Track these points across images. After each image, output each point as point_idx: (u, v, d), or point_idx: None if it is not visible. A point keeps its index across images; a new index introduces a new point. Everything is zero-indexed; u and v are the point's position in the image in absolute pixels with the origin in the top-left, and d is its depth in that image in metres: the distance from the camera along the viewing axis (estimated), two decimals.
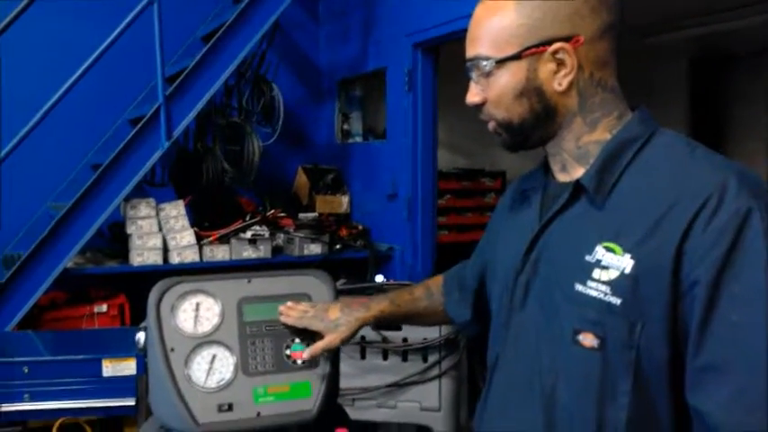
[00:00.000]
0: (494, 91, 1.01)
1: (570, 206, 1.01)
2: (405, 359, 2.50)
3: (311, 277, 1.40)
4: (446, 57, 3.69)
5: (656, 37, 4.85)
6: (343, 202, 4.15)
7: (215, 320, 1.28)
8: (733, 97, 5.82)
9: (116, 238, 3.54)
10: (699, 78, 5.86)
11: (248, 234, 3.57)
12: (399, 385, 2.49)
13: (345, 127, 4.47)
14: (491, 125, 1.05)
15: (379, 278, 2.85)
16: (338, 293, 1.41)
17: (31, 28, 3.30)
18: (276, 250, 3.67)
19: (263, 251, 3.56)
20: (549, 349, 0.98)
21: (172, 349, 1.23)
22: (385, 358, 2.50)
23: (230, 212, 3.71)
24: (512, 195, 1.19)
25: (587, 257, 0.94)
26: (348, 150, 4.33)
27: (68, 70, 3.00)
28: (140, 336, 1.76)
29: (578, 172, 1.02)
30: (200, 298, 1.29)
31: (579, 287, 0.94)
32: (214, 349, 1.25)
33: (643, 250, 0.89)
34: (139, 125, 3.20)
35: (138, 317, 2.90)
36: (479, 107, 1.05)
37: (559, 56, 0.97)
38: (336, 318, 1.28)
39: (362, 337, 2.49)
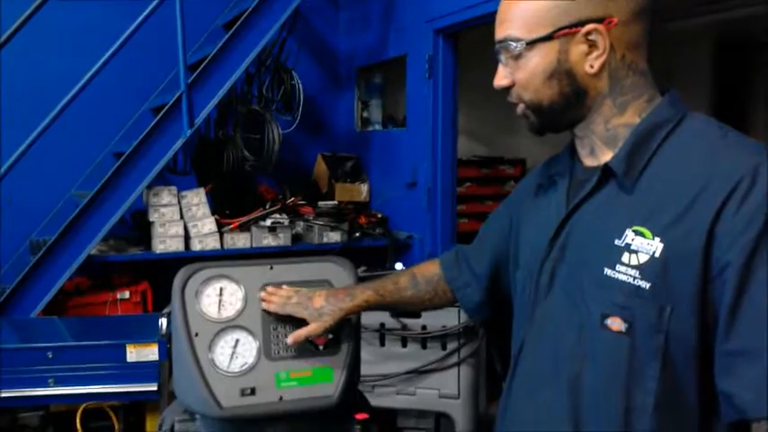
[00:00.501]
0: (523, 73, 1.00)
1: (598, 190, 1.00)
2: (424, 347, 2.50)
3: (332, 264, 1.41)
4: (466, 43, 3.66)
5: (679, 22, 4.76)
6: (363, 190, 4.16)
7: (238, 305, 1.29)
8: (757, 83, 5.70)
9: (138, 226, 3.58)
10: (723, 63, 5.75)
11: (268, 222, 3.58)
12: (419, 372, 2.50)
13: (365, 115, 4.46)
14: (519, 108, 1.04)
15: (399, 266, 2.86)
16: (359, 280, 1.41)
17: (54, 17, 3.33)
18: (296, 238, 3.69)
19: (282, 239, 3.58)
20: (575, 334, 0.98)
21: (196, 334, 1.24)
22: (404, 345, 2.51)
23: (251, 200, 3.73)
24: (536, 180, 1.18)
25: (617, 241, 0.93)
26: (367, 138, 4.33)
27: (91, 59, 3.02)
28: (163, 321, 1.79)
29: (606, 156, 1.01)
30: (223, 283, 1.30)
31: (608, 271, 0.93)
32: (237, 334, 1.26)
33: (673, 234, 0.89)
34: (161, 113, 3.22)
35: (160, 303, 2.94)
36: (507, 90, 1.04)
37: (592, 37, 0.96)
38: (321, 306, 1.27)
39: (382, 324, 2.50)
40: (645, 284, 0.90)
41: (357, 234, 3.77)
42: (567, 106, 1.01)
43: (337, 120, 4.55)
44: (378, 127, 4.40)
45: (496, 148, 5.32)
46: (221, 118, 3.87)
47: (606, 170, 0.99)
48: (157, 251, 3.37)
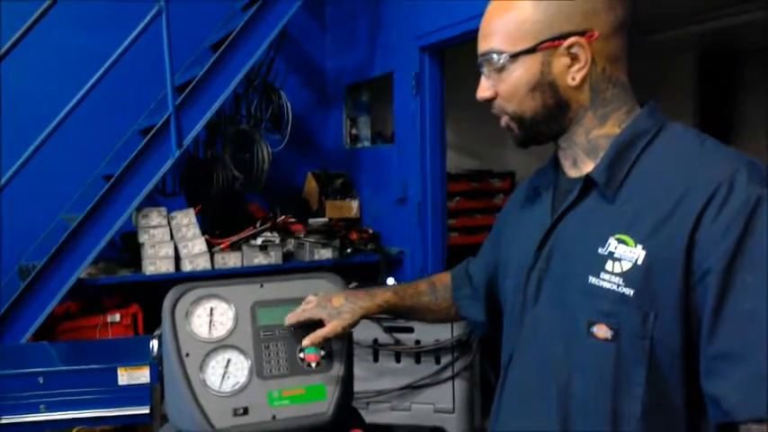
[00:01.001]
0: (506, 85, 1.02)
1: (581, 201, 1.01)
2: (418, 361, 2.50)
3: (324, 280, 1.41)
4: (452, 58, 3.70)
5: (662, 33, 4.83)
6: (353, 206, 4.16)
7: (229, 325, 1.28)
8: (741, 92, 5.78)
9: (128, 248, 3.56)
10: (706, 74, 5.83)
11: (259, 241, 3.58)
12: (413, 387, 2.49)
13: (353, 132, 4.49)
14: (503, 120, 1.06)
15: (391, 281, 2.85)
16: None
17: (41, 39, 3.33)
18: (287, 256, 3.68)
19: (274, 257, 3.57)
20: (562, 343, 0.99)
21: (187, 354, 1.23)
22: (398, 361, 2.50)
23: (241, 219, 3.73)
24: (523, 193, 1.20)
25: (600, 250, 0.95)
26: (357, 155, 4.34)
27: (79, 81, 3.03)
28: (154, 343, 1.78)
29: (588, 166, 1.03)
30: (214, 303, 1.29)
31: (593, 279, 0.95)
32: (229, 353, 1.25)
33: (655, 241, 0.90)
34: (150, 135, 3.22)
35: (151, 325, 2.92)
36: (490, 102, 1.05)
37: (574, 50, 0.98)
38: (340, 305, 1.27)
39: (375, 340, 2.49)
40: (629, 291, 0.91)
41: (348, 250, 3.77)
42: (550, 118, 1.02)
43: (326, 137, 4.57)
44: (367, 143, 4.42)
45: (485, 162, 5.36)
46: (210, 138, 3.87)
47: (588, 181, 1.00)
48: (148, 273, 3.35)
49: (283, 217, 3.81)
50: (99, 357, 2.04)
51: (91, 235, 3.11)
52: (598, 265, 0.94)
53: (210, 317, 1.28)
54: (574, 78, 0.99)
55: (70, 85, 3.06)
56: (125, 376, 1.94)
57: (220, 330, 1.27)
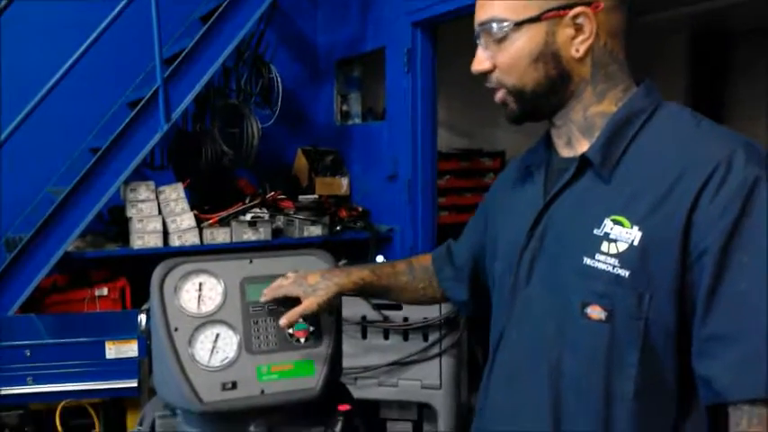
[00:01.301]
0: (507, 56, 0.98)
1: (576, 180, 1.00)
2: (406, 338, 2.51)
3: (313, 257, 1.41)
4: (444, 36, 3.66)
5: (654, 14, 4.82)
6: (343, 183, 4.15)
7: (218, 300, 1.28)
8: (732, 74, 5.79)
9: (116, 222, 3.54)
10: (698, 55, 5.83)
11: (248, 216, 3.57)
12: (401, 364, 2.51)
13: (344, 108, 4.45)
14: (499, 94, 1.02)
15: (380, 259, 2.86)
16: None
17: (28, 10, 3.27)
18: (276, 232, 3.67)
19: (263, 233, 3.56)
20: (555, 323, 0.98)
21: (176, 329, 1.23)
22: (386, 338, 2.52)
23: (230, 195, 3.71)
24: (513, 173, 1.18)
25: (595, 231, 0.94)
26: (347, 132, 4.32)
27: (66, 53, 2.98)
28: (142, 317, 1.77)
29: (583, 146, 1.01)
30: (203, 278, 1.29)
31: (587, 260, 0.94)
32: (217, 328, 1.26)
33: (651, 222, 0.89)
34: (138, 108, 3.19)
35: (139, 300, 2.92)
36: (486, 75, 1.02)
37: (579, 20, 0.96)
38: (316, 282, 1.26)
39: (363, 317, 2.50)
40: (624, 273, 0.90)
41: (338, 228, 3.77)
42: (551, 91, 1.00)
43: (317, 113, 4.54)
44: (357, 120, 4.39)
45: (476, 141, 5.35)
46: (199, 112, 3.83)
47: (583, 160, 0.98)
48: (135, 247, 3.34)
49: (273, 193, 3.80)
50: (87, 330, 2.04)
51: (78, 208, 3.09)
52: (593, 245, 0.93)
53: (199, 292, 1.28)
54: (578, 50, 0.97)
55: (57, 57, 3.01)
56: (113, 350, 1.94)
57: (209, 305, 1.27)
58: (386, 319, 2.50)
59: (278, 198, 3.81)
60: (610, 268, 0.92)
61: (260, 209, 3.63)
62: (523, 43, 0.97)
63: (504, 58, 0.99)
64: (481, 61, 1.01)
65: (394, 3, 3.60)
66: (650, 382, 0.92)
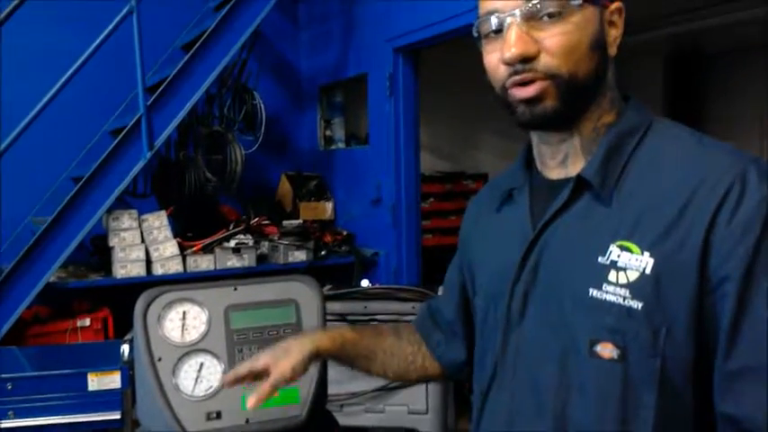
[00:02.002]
0: (566, 38, 0.84)
1: (572, 204, 0.90)
2: None
3: (298, 283, 1.40)
4: (426, 60, 3.71)
5: (632, 36, 4.92)
6: (327, 208, 4.16)
7: (202, 328, 1.27)
8: (708, 94, 5.90)
9: (99, 251, 3.51)
10: (674, 76, 5.94)
11: (232, 243, 3.56)
12: (387, 389, 2.49)
13: (328, 133, 4.48)
14: (537, 86, 0.85)
15: (365, 283, 2.85)
16: (325, 298, 1.41)
17: (11, 38, 3.27)
18: (261, 258, 3.66)
19: (247, 260, 3.55)
20: (558, 364, 0.87)
21: (159, 359, 1.22)
22: None
23: (214, 222, 3.70)
24: (486, 198, 1.07)
25: (600, 259, 0.84)
26: (331, 156, 4.34)
27: (49, 81, 2.98)
28: (125, 348, 1.75)
29: (577, 165, 0.91)
30: (186, 306, 1.28)
31: (594, 292, 0.84)
32: (201, 357, 1.24)
33: (664, 247, 0.81)
34: (120, 136, 3.18)
35: (122, 330, 2.88)
36: (525, 61, 0.85)
37: (614, 17, 0.88)
38: (288, 344, 1.09)
39: None
40: (636, 304, 0.81)
41: (323, 252, 3.77)
42: (594, 87, 0.88)
43: (300, 139, 4.56)
44: (341, 145, 4.41)
45: (458, 163, 5.40)
46: (182, 139, 3.84)
47: (580, 182, 0.89)
48: (118, 276, 3.31)
49: (257, 219, 3.80)
50: (69, 362, 2.00)
51: (60, 238, 3.06)
52: (599, 275, 0.84)
53: (183, 320, 1.27)
54: (613, 49, 0.89)
55: (40, 85, 3.01)
56: (95, 381, 1.91)
57: (193, 334, 1.26)
58: None
59: (262, 224, 3.81)
60: (620, 300, 0.82)
61: (244, 235, 3.62)
62: (585, 25, 0.85)
63: (560, 40, 0.84)
64: (526, 42, 0.84)
65: (375, 30, 3.65)
66: (668, 424, 0.82)
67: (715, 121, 5.83)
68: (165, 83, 3.25)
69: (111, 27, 3.04)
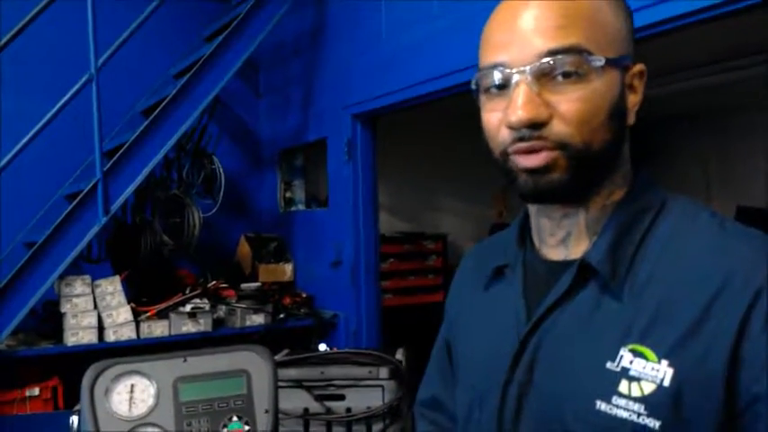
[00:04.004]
0: (582, 104, 0.72)
1: (575, 294, 0.77)
2: (349, 430, 2.47)
3: (250, 353, 1.40)
4: (385, 123, 3.82)
5: None
6: (287, 270, 4.15)
7: (150, 402, 1.26)
8: (671, 158, 6.09)
9: (50, 317, 3.42)
10: (635, 140, 6.15)
11: (188, 307, 3.51)
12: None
13: (288, 195, 4.52)
14: (545, 155, 0.73)
15: (322, 347, 2.84)
16: (277, 367, 1.41)
17: None
18: (217, 323, 3.61)
19: (203, 324, 3.50)
20: None
21: None
22: (329, 430, 2.47)
23: (170, 286, 3.65)
24: (473, 273, 0.94)
25: (609, 364, 0.71)
26: (291, 218, 4.37)
27: (6, 145, 2.97)
28: (74, 419, 1.71)
29: (581, 246, 0.79)
30: (134, 379, 1.27)
31: (601, 405, 0.71)
32: (149, 431, 1.23)
33: (685, 355, 0.68)
34: (76, 201, 3.16)
35: (73, 399, 2.79)
36: (533, 127, 0.73)
37: (635, 81, 0.78)
38: None
39: (306, 409, 2.46)
40: (653, 423, 0.68)
41: (281, 315, 3.74)
42: (609, 160, 0.77)
43: (260, 201, 4.59)
44: (301, 207, 4.45)
45: (418, 224, 5.48)
46: (139, 203, 3.82)
47: (584, 268, 0.76)
48: (69, 344, 3.22)
49: (214, 282, 3.76)
50: None
51: (11, 305, 2.99)
52: (608, 385, 0.71)
53: (131, 394, 1.26)
54: (631, 116, 0.77)
55: None
56: None
57: (141, 408, 1.25)
58: (328, 410, 2.47)
59: (219, 287, 3.77)
60: (634, 417, 0.69)
61: (201, 299, 3.58)
62: (605, 89, 0.73)
63: (577, 106, 0.72)
64: (537, 106, 0.72)
65: (334, 97, 3.75)
66: None
67: (675, 186, 6.00)
68: (124, 148, 3.26)
69: (70, 94, 3.06)
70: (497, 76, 0.75)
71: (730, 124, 5.56)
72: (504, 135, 0.75)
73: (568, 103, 0.72)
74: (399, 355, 2.58)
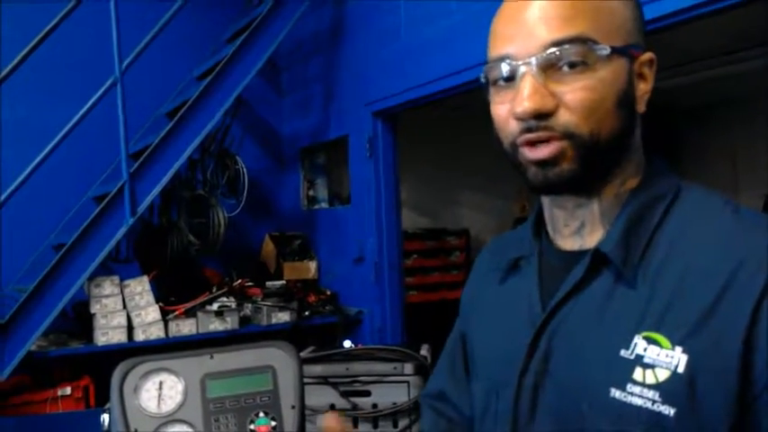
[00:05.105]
0: (589, 93, 0.73)
1: (589, 283, 0.77)
2: (375, 425, 2.49)
3: (275, 349, 1.41)
4: (407, 119, 3.82)
5: None
6: (311, 267, 4.18)
7: (178, 398, 1.28)
8: (679, 151, 6.04)
9: (80, 318, 3.49)
10: (643, 131, 6.09)
11: (215, 306, 3.55)
12: None
13: (311, 193, 4.54)
14: (554, 146, 0.74)
15: (347, 344, 2.86)
16: (302, 363, 1.42)
17: None
18: (244, 321, 3.65)
19: (230, 323, 3.54)
20: None
21: (135, 430, 1.22)
22: (355, 425, 2.49)
23: (196, 285, 3.70)
24: (490, 266, 0.94)
25: (623, 352, 0.71)
26: (314, 216, 4.39)
27: (34, 150, 3.03)
28: (105, 417, 1.75)
29: (595, 236, 0.80)
30: (163, 376, 1.29)
31: (616, 393, 0.71)
32: (178, 428, 1.25)
33: (699, 342, 0.68)
34: (103, 203, 3.22)
35: (104, 398, 2.84)
36: (539, 117, 0.73)
37: (645, 70, 0.78)
38: None
39: (332, 405, 2.48)
40: (668, 410, 0.68)
41: (306, 313, 3.77)
42: (619, 149, 0.77)
43: (284, 199, 4.62)
44: (324, 205, 4.47)
45: (440, 220, 5.47)
46: (165, 204, 3.88)
47: (598, 257, 0.77)
48: (99, 344, 3.28)
49: (240, 281, 3.80)
50: None
51: (42, 306, 3.05)
52: (622, 372, 0.71)
53: (160, 391, 1.28)
54: (641, 104, 0.78)
55: (25, 154, 3.05)
56: None
57: (170, 405, 1.27)
58: (354, 406, 2.48)
59: (245, 285, 3.81)
60: (649, 404, 0.69)
61: (227, 297, 3.62)
62: (612, 78, 0.73)
63: (583, 95, 0.72)
64: (543, 96, 0.73)
65: (355, 95, 3.76)
66: None
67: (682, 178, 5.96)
68: (149, 150, 3.31)
69: (95, 98, 3.11)
70: (504, 69, 0.76)
71: (757, 113, 5.47)
72: (513, 126, 0.76)
73: (574, 93, 0.73)
74: (424, 351, 2.59)
